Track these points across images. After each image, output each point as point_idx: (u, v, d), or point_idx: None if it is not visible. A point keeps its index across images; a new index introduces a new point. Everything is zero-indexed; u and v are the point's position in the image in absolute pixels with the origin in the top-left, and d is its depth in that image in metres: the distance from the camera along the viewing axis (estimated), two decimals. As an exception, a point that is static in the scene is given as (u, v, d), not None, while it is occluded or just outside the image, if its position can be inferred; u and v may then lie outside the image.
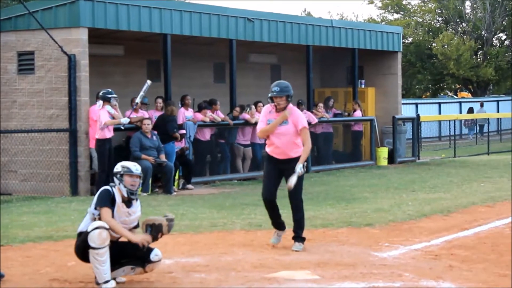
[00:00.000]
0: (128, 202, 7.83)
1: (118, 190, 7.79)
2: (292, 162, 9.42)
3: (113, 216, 7.63)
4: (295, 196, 9.61)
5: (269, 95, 9.45)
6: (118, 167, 7.95)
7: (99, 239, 7.40)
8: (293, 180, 9.31)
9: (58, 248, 9.62)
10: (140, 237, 7.71)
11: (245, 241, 10.19)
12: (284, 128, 9.44)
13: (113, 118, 15.57)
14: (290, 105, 9.59)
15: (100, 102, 15.41)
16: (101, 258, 7.42)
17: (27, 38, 16.28)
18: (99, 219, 7.58)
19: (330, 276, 8.19)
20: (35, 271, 8.38)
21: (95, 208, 7.65)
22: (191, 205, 13.91)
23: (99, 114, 15.33)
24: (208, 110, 18.17)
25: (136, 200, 7.93)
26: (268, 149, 9.69)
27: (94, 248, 7.39)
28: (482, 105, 41.07)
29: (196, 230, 10.94)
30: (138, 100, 16.25)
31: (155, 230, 7.91)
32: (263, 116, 9.68)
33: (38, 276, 8.19)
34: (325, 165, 21.58)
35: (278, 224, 9.80)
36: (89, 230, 7.45)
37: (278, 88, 9.44)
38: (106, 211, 7.60)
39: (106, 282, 7.45)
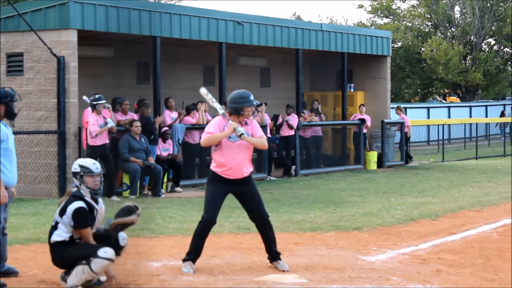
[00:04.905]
0: (94, 201, 7.76)
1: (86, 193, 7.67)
2: (247, 181, 8.57)
3: (94, 224, 7.66)
4: (264, 212, 8.70)
5: (248, 104, 8.41)
6: (76, 167, 7.68)
7: (101, 269, 7.52)
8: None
9: (46, 250, 9.50)
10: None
11: (234, 244, 10.19)
12: (240, 142, 8.47)
13: (105, 123, 15.38)
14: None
15: (90, 109, 15.33)
16: (88, 277, 7.54)
17: (16, 39, 16.24)
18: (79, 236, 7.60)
19: (318, 280, 8.20)
20: (23, 273, 8.35)
21: (75, 229, 7.55)
22: (179, 208, 13.92)
23: (89, 121, 15.22)
24: (196, 112, 18.19)
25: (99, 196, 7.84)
26: (218, 169, 8.55)
27: (92, 270, 7.46)
28: None
29: (185, 233, 10.92)
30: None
31: (126, 227, 7.89)
32: (216, 126, 8.58)
33: (26, 278, 8.18)
34: (314, 169, 21.62)
35: (199, 254, 8.65)
36: (100, 254, 7.43)
37: (253, 96, 8.56)
38: (88, 233, 7.60)
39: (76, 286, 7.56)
